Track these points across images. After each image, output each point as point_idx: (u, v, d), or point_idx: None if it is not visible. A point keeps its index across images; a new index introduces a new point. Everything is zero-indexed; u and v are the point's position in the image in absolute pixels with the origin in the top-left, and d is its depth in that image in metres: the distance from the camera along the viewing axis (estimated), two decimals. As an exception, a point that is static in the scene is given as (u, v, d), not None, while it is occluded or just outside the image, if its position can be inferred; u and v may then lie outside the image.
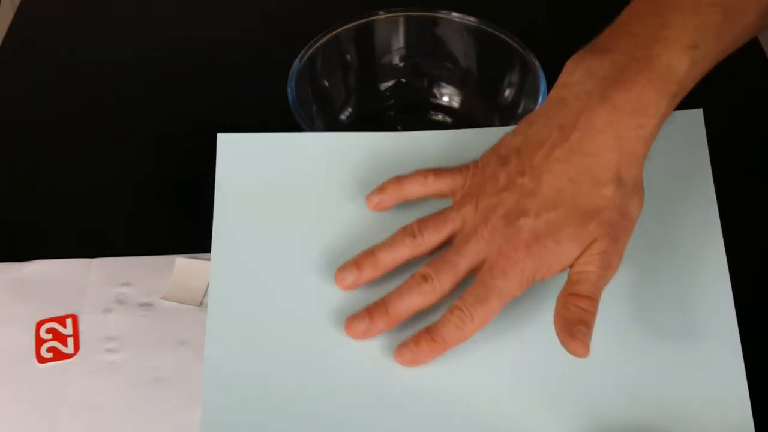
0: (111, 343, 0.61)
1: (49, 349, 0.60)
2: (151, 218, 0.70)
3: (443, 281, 0.52)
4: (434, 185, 0.56)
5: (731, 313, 0.53)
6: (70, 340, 0.61)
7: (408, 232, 0.54)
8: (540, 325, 0.53)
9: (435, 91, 0.73)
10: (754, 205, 0.69)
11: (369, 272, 0.54)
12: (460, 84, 0.73)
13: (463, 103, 0.73)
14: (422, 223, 0.54)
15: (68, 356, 0.60)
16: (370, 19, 0.71)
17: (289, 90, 0.65)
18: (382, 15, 0.71)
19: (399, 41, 0.72)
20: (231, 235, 0.56)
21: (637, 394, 0.51)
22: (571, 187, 0.50)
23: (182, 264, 0.64)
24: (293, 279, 0.55)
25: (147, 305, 0.63)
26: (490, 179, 0.53)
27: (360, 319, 0.53)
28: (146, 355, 0.60)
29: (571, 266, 0.51)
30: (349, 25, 0.70)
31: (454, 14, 0.71)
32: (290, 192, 0.58)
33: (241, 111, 0.77)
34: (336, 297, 0.54)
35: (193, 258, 0.64)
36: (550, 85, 0.62)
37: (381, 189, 0.57)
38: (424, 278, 0.52)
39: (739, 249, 0.56)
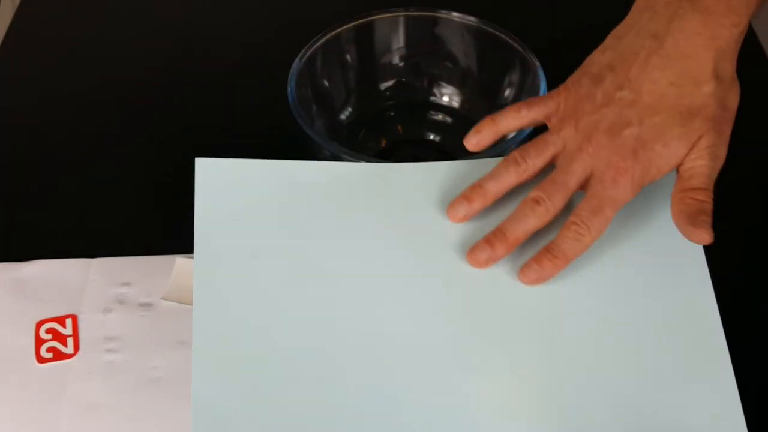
0: (111, 343, 0.61)
1: (48, 349, 0.60)
2: (151, 218, 0.70)
3: (555, 201, 0.54)
4: (528, 116, 0.57)
5: (716, 319, 0.54)
6: (70, 340, 0.61)
7: (511, 160, 0.56)
8: (536, 328, 0.54)
9: (435, 90, 0.73)
10: (749, 210, 0.69)
11: (479, 203, 0.56)
12: (460, 84, 0.73)
13: (463, 103, 0.73)
14: (523, 150, 0.56)
15: (68, 356, 0.60)
16: (370, 18, 0.71)
17: (289, 90, 0.65)
18: (382, 15, 0.71)
19: (399, 41, 0.72)
20: (213, 263, 0.55)
21: (624, 403, 0.51)
22: (673, 91, 0.53)
23: (182, 264, 0.64)
24: (277, 311, 0.54)
25: (147, 305, 0.63)
26: (586, 99, 0.55)
27: (481, 249, 0.55)
28: (146, 355, 0.60)
29: (680, 165, 0.53)
30: (349, 25, 0.70)
31: (454, 14, 0.71)
32: (272, 220, 0.57)
33: (242, 111, 0.77)
34: (321, 324, 0.54)
35: (193, 258, 0.64)
36: (550, 84, 0.62)
37: (477, 129, 0.58)
38: (537, 201, 0.54)
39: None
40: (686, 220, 0.52)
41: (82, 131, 0.76)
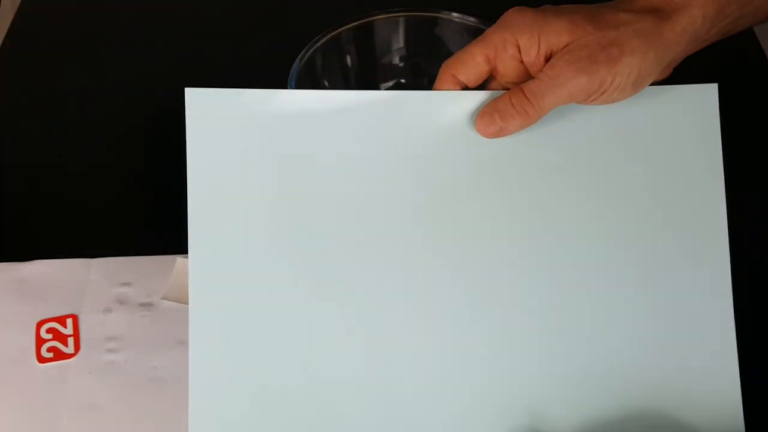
0: (111, 343, 0.61)
1: (49, 349, 0.60)
2: (150, 218, 0.70)
3: None
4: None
5: (728, 289, 0.54)
6: (71, 340, 0.61)
7: None
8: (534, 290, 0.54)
9: (435, 91, 0.73)
10: (749, 210, 0.69)
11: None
12: (460, 84, 0.73)
13: (463, 103, 0.73)
14: None
15: (68, 356, 0.60)
16: (370, 19, 0.71)
17: (289, 90, 0.65)
18: (382, 15, 0.71)
19: (399, 41, 0.72)
20: (209, 209, 0.53)
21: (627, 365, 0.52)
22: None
23: (182, 264, 0.64)
24: (275, 258, 0.53)
25: (147, 305, 0.63)
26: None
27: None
28: (146, 354, 0.60)
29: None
30: (349, 26, 0.70)
31: (454, 14, 0.70)
32: (271, 157, 0.53)
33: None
34: (323, 278, 0.53)
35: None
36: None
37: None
38: None
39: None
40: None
41: (83, 131, 0.76)
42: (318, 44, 0.69)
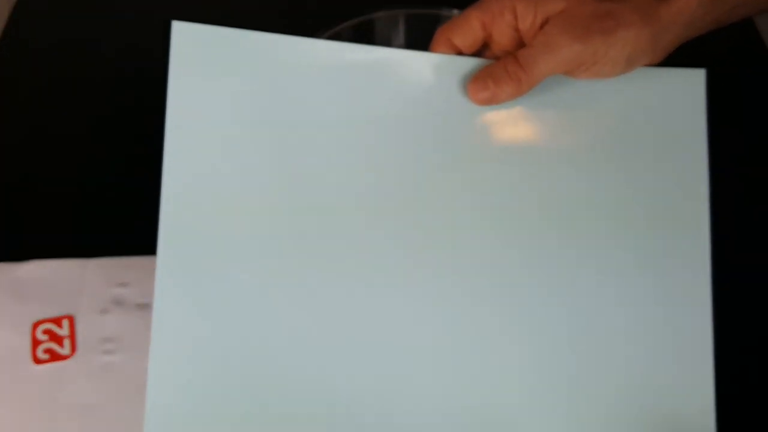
0: (108, 344, 0.61)
1: (45, 351, 0.60)
2: (148, 218, 0.69)
3: None
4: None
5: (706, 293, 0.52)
6: (67, 341, 0.60)
7: None
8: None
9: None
10: (748, 210, 0.69)
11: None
12: (461, 83, 0.72)
13: (464, 102, 0.72)
14: None
15: (64, 357, 0.60)
16: (370, 17, 0.70)
17: (288, 89, 0.64)
18: (382, 13, 0.71)
19: (400, 39, 0.72)
20: (188, 152, 0.49)
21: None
22: None
23: (180, 264, 0.64)
24: (258, 211, 0.50)
25: (144, 306, 0.62)
26: None
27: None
28: (143, 356, 0.59)
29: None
30: (350, 24, 0.70)
31: (455, 11, 0.70)
32: (263, 107, 0.50)
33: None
34: (307, 234, 0.50)
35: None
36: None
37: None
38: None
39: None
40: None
41: (79, 131, 0.76)
42: (318, 42, 0.68)
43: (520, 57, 0.50)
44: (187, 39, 0.50)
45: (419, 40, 0.72)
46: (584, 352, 0.51)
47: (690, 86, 0.54)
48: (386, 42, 0.72)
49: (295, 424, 0.49)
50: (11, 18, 0.86)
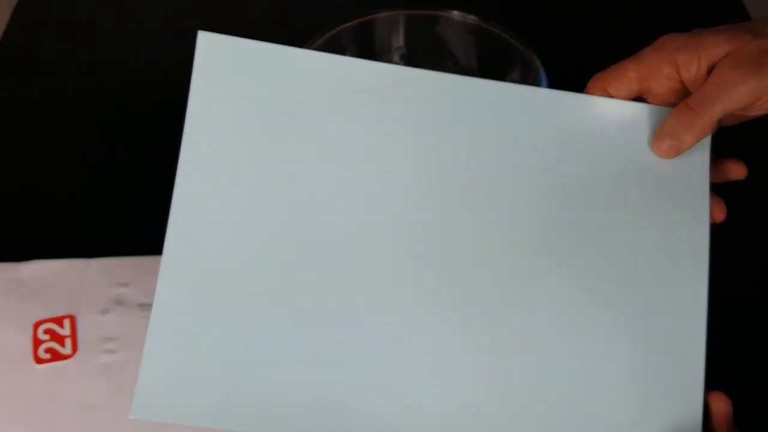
0: (109, 343, 0.61)
1: (46, 350, 0.60)
2: (149, 218, 0.69)
3: None
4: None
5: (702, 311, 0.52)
6: (68, 341, 0.61)
7: None
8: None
9: (435, 90, 0.73)
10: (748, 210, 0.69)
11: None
12: (460, 83, 0.72)
13: (463, 102, 0.72)
14: None
15: (66, 357, 0.60)
16: (370, 17, 0.70)
17: (288, 89, 0.64)
18: (382, 14, 0.71)
19: (399, 40, 0.72)
20: (204, 158, 0.51)
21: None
22: None
23: (181, 264, 0.64)
24: (268, 217, 0.51)
25: (145, 306, 0.62)
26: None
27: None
28: (144, 356, 0.60)
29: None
30: (350, 24, 0.70)
31: (455, 13, 0.70)
32: (282, 119, 0.51)
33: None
34: (312, 244, 0.51)
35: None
36: (551, 84, 0.62)
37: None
38: None
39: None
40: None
41: (79, 131, 0.76)
42: (318, 43, 0.68)
43: (691, 103, 0.51)
44: (211, 48, 0.51)
45: (419, 41, 0.72)
46: (578, 360, 0.51)
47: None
48: (386, 42, 0.72)
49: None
50: (11, 24, 0.86)
